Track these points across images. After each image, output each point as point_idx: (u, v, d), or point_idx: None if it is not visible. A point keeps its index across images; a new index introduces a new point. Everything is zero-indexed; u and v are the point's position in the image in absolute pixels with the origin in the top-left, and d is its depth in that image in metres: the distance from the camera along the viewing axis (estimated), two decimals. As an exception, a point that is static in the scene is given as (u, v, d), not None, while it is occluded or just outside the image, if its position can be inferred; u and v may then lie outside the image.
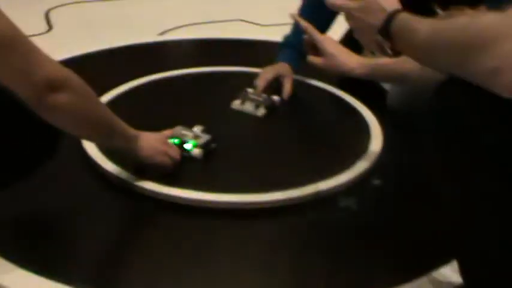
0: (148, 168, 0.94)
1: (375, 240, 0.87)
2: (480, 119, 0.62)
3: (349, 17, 0.80)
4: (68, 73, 0.76)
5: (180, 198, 0.91)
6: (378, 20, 0.73)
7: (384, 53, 0.75)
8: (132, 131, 0.89)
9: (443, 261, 0.81)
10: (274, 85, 1.22)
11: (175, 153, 0.96)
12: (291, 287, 0.79)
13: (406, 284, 0.78)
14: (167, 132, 0.99)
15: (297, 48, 1.24)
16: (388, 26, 0.71)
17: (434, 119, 0.67)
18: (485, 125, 0.62)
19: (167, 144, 0.96)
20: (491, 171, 0.62)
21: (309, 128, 1.13)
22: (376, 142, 1.06)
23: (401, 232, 0.89)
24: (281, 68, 1.24)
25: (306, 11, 1.24)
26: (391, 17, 0.71)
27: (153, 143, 0.92)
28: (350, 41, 1.12)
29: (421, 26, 0.67)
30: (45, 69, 0.73)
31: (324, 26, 1.22)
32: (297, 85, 1.25)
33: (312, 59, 1.13)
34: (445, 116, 0.65)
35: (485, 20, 0.59)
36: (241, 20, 1.82)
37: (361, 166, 0.99)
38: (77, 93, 0.77)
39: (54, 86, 0.73)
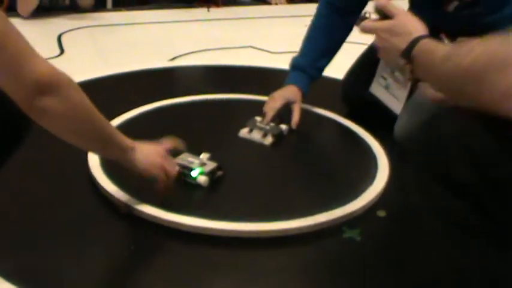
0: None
1: (378, 273, 0.86)
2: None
3: (376, 36, 0.80)
4: (61, 76, 0.72)
5: (183, 225, 0.90)
6: (402, 42, 0.74)
7: (404, 75, 0.76)
8: (128, 142, 0.86)
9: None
10: (282, 111, 1.23)
11: (172, 168, 0.92)
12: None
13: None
14: (166, 144, 0.96)
15: (307, 71, 1.24)
16: (410, 50, 0.72)
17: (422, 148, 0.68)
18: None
19: (165, 157, 0.92)
20: None
21: (316, 157, 1.13)
22: (382, 174, 1.06)
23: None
24: (290, 93, 1.24)
25: (318, 31, 1.24)
26: (415, 41, 0.72)
27: (149, 155, 0.89)
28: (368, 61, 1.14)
29: (439, 50, 0.67)
30: (36, 70, 0.68)
31: (336, 46, 1.22)
32: (305, 114, 1.25)
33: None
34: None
35: (495, 43, 0.60)
36: (252, 47, 1.83)
37: (366, 197, 0.99)
38: (69, 98, 0.73)
39: (44, 88, 0.69)
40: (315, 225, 0.93)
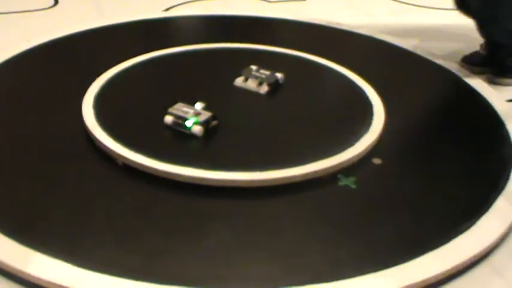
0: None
1: (373, 220, 0.87)
2: None
3: None
4: None
5: (178, 175, 0.90)
6: None
7: None
8: None
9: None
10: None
11: None
12: (293, 265, 0.78)
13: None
14: None
15: None
16: None
17: None
18: None
19: None
20: None
21: (311, 106, 1.12)
22: (378, 121, 1.05)
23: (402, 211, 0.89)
24: None
25: None
26: None
27: None
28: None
29: None
30: None
31: None
32: (301, 62, 1.24)
33: None
34: None
35: None
36: (249, -4, 1.80)
37: (361, 145, 0.99)
38: None
39: None
40: (311, 173, 0.93)
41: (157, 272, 0.75)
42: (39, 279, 0.74)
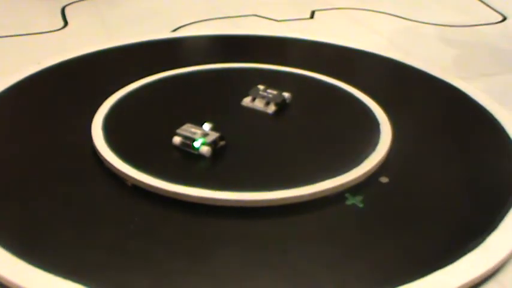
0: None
1: (381, 239, 0.87)
2: None
3: None
4: None
5: (185, 195, 0.91)
6: None
7: None
8: None
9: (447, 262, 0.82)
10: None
11: None
12: (300, 285, 0.79)
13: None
14: None
15: None
16: None
17: None
18: None
19: None
20: None
21: (319, 125, 1.13)
22: (385, 140, 1.06)
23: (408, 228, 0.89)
24: None
25: None
26: None
27: None
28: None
29: None
30: None
31: None
32: (308, 81, 1.25)
33: None
34: None
35: None
36: (256, 15, 1.82)
37: (368, 164, 0.99)
38: None
39: None
40: (318, 192, 0.93)
41: (166, 293, 0.76)
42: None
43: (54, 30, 1.65)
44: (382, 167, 1.01)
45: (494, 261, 0.83)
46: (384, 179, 0.99)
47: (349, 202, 0.94)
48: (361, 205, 0.93)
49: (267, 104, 1.16)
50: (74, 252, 0.83)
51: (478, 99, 1.25)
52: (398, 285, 0.78)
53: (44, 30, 1.64)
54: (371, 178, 0.99)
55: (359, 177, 0.97)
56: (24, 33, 1.62)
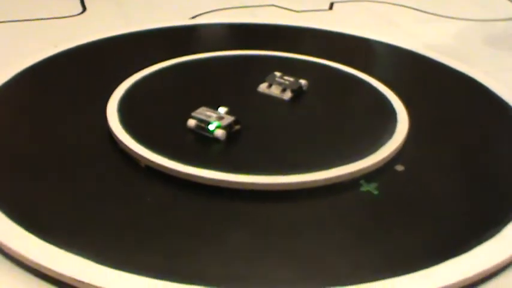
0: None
1: (396, 223, 0.86)
2: None
3: None
4: None
5: (199, 177, 0.91)
6: None
7: None
8: None
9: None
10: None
11: None
12: (312, 268, 0.78)
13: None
14: None
15: None
16: None
17: None
18: None
19: None
20: None
21: (334, 112, 1.13)
22: (401, 128, 1.05)
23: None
24: None
25: None
26: None
27: None
28: None
29: None
30: None
31: None
32: (325, 69, 1.24)
33: None
34: None
35: None
36: (274, 6, 1.81)
37: (384, 152, 0.98)
38: None
39: None
40: (332, 178, 0.92)
41: (177, 271, 0.75)
42: (60, 274, 0.75)
43: (73, 16, 1.66)
44: (398, 155, 1.00)
45: (510, 252, 0.81)
46: (400, 167, 0.98)
47: (363, 189, 0.93)
48: (375, 192, 0.92)
49: (283, 90, 1.15)
50: (86, 230, 0.83)
51: (497, 92, 1.23)
52: (410, 272, 0.77)
53: (62, 15, 1.65)
54: (386, 166, 0.98)
55: (374, 164, 0.96)
56: (43, 17, 1.62)
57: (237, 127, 1.02)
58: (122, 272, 0.75)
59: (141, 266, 0.76)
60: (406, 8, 1.82)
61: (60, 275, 0.75)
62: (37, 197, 0.89)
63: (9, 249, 0.79)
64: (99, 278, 0.74)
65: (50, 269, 0.76)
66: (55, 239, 0.79)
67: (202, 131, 1.01)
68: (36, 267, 0.77)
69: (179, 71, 1.26)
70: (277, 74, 1.19)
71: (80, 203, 0.88)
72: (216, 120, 1.00)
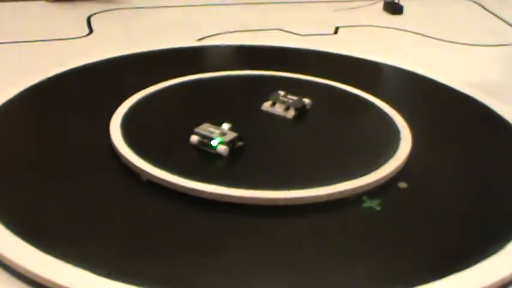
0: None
1: (398, 238, 0.85)
2: None
3: None
4: None
5: (200, 191, 0.90)
6: None
7: None
8: None
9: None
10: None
11: None
12: (312, 282, 0.77)
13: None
14: None
15: None
16: None
17: None
18: None
19: None
20: None
21: (338, 130, 1.12)
22: (404, 146, 1.05)
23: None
24: None
25: None
26: None
27: None
28: None
29: None
30: None
31: None
32: (328, 89, 1.25)
33: None
34: None
35: None
36: (280, 30, 1.82)
37: (387, 168, 0.98)
38: None
39: None
40: (335, 193, 0.92)
41: (176, 283, 0.75)
42: (58, 285, 0.74)
43: (80, 37, 1.67)
44: (401, 173, 1.00)
45: (513, 268, 0.80)
46: (403, 184, 0.98)
47: (366, 205, 0.92)
48: (378, 208, 0.91)
49: (287, 109, 1.15)
50: (87, 242, 0.82)
51: (498, 111, 1.23)
52: (413, 286, 0.76)
53: (69, 37, 1.66)
54: (389, 183, 0.97)
55: (377, 180, 0.95)
56: (51, 38, 1.64)
57: (240, 143, 1.02)
58: (121, 284, 0.74)
59: (142, 277, 0.75)
60: (411, 34, 1.83)
61: (59, 285, 0.74)
62: (39, 209, 0.89)
63: (8, 260, 0.78)
64: (98, 288, 0.74)
65: (48, 280, 0.75)
66: (55, 250, 0.79)
67: (205, 147, 1.01)
68: (34, 278, 0.76)
69: (184, 90, 1.26)
70: (281, 92, 1.19)
71: (82, 215, 0.88)
72: (219, 136, 1.00)
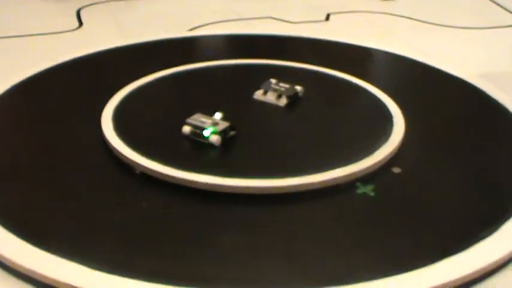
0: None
1: (393, 223, 0.85)
2: None
3: None
4: None
5: (194, 182, 0.90)
6: None
7: None
8: None
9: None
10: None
11: None
12: (308, 269, 0.77)
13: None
14: None
15: None
16: None
17: None
18: None
19: None
20: None
21: (330, 117, 1.12)
22: (397, 131, 1.04)
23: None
24: None
25: None
26: None
27: None
28: None
29: None
30: None
31: None
32: (320, 76, 1.24)
33: None
34: None
35: None
36: (271, 18, 1.82)
37: (380, 154, 0.97)
38: None
39: None
40: (328, 180, 0.92)
41: (171, 274, 0.75)
42: (54, 280, 0.74)
43: (69, 31, 1.66)
44: (395, 158, 1.00)
45: (508, 249, 0.80)
46: (397, 170, 0.98)
47: (360, 191, 0.92)
48: (372, 194, 0.91)
49: (279, 97, 1.15)
50: (81, 236, 0.82)
51: (491, 94, 1.23)
52: (407, 270, 0.76)
53: (59, 30, 1.65)
54: (383, 168, 0.97)
55: (370, 166, 0.95)
56: (40, 33, 1.63)
57: (233, 133, 1.02)
58: (118, 277, 0.74)
59: (138, 271, 0.75)
60: (403, 18, 1.83)
61: (56, 281, 0.74)
62: (32, 204, 0.89)
63: (3, 257, 0.78)
64: (95, 283, 0.73)
65: (45, 276, 0.75)
66: (49, 245, 0.79)
67: (197, 137, 1.00)
68: (31, 274, 0.76)
69: (175, 81, 1.26)
70: (273, 80, 1.19)
71: (75, 210, 0.87)
72: (211, 126, 1.00)
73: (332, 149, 1.01)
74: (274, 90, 1.16)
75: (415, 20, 1.81)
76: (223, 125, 1.01)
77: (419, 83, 1.33)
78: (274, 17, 1.82)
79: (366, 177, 0.94)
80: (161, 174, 0.92)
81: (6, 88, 1.22)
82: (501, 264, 0.79)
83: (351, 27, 1.75)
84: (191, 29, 1.68)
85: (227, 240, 0.82)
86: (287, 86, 1.17)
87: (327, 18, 1.83)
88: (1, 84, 1.24)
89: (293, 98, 1.16)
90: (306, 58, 1.36)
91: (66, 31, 1.65)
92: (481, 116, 1.18)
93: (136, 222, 0.85)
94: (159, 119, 1.10)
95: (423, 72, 1.37)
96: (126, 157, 0.96)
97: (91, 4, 1.90)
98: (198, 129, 1.00)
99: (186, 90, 1.22)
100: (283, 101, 1.14)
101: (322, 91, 1.22)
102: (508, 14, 1.88)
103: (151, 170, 0.93)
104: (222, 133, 1.00)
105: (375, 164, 0.96)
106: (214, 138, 0.99)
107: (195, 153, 0.99)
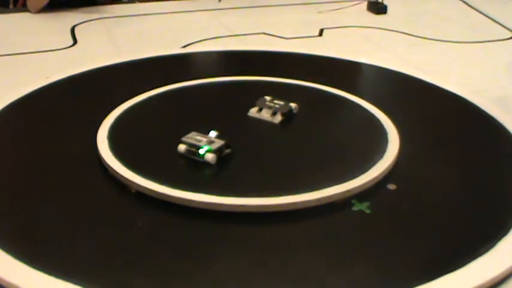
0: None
1: (389, 241, 0.85)
2: None
3: None
4: None
5: (190, 201, 0.90)
6: None
7: None
8: None
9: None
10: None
11: None
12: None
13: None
14: None
15: None
16: None
17: None
18: None
19: None
20: None
21: (325, 134, 1.12)
22: (392, 148, 1.05)
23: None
24: None
25: None
26: None
27: None
28: None
29: None
30: None
31: None
32: (315, 92, 1.25)
33: None
34: None
35: None
36: (265, 34, 1.82)
37: (375, 171, 0.98)
38: None
39: None
40: (324, 198, 0.92)
41: (168, 294, 0.75)
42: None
43: (64, 48, 1.66)
44: (390, 175, 1.00)
45: (505, 266, 0.80)
46: (392, 186, 0.98)
47: (355, 208, 0.92)
48: (368, 211, 0.91)
49: (274, 114, 1.15)
50: (77, 255, 0.82)
51: (486, 110, 1.24)
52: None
53: (53, 48, 1.65)
54: (378, 185, 0.97)
55: (366, 183, 0.95)
56: (35, 50, 1.63)
57: (228, 151, 1.02)
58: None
59: (132, 290, 0.75)
60: (396, 33, 1.84)
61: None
62: (26, 222, 0.88)
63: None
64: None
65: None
66: (44, 265, 0.78)
67: (192, 156, 1.00)
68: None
69: (170, 98, 1.26)
70: (268, 98, 1.19)
71: (71, 229, 0.87)
72: (206, 144, 1.00)
73: (327, 166, 1.01)
74: (269, 107, 1.16)
75: (407, 34, 1.82)
76: (219, 143, 1.01)
77: (413, 98, 1.33)
78: (267, 32, 1.83)
79: (362, 194, 0.94)
80: (157, 193, 0.92)
81: (2, 107, 1.22)
82: (498, 281, 0.79)
83: (344, 42, 1.76)
84: (184, 46, 1.68)
85: (223, 258, 0.82)
86: (282, 103, 1.17)
87: (320, 33, 1.84)
88: (-4, 103, 1.24)
89: (288, 115, 1.16)
90: (300, 74, 1.37)
91: (61, 48, 1.66)
92: (476, 131, 1.18)
93: (132, 241, 0.85)
94: (155, 137, 1.10)
95: (416, 87, 1.38)
96: (122, 176, 0.96)
97: (85, 21, 1.90)
98: (194, 148, 1.00)
99: (181, 108, 1.22)
100: (278, 118, 1.15)
101: (316, 108, 1.23)
102: (500, 28, 1.89)
103: (146, 189, 0.93)
104: (218, 151, 1.00)
105: (370, 181, 0.96)
106: (210, 157, 0.99)
107: (191, 171, 0.99)
